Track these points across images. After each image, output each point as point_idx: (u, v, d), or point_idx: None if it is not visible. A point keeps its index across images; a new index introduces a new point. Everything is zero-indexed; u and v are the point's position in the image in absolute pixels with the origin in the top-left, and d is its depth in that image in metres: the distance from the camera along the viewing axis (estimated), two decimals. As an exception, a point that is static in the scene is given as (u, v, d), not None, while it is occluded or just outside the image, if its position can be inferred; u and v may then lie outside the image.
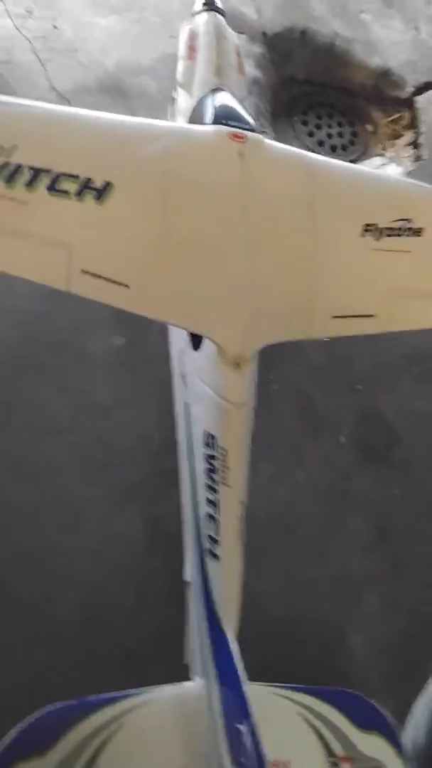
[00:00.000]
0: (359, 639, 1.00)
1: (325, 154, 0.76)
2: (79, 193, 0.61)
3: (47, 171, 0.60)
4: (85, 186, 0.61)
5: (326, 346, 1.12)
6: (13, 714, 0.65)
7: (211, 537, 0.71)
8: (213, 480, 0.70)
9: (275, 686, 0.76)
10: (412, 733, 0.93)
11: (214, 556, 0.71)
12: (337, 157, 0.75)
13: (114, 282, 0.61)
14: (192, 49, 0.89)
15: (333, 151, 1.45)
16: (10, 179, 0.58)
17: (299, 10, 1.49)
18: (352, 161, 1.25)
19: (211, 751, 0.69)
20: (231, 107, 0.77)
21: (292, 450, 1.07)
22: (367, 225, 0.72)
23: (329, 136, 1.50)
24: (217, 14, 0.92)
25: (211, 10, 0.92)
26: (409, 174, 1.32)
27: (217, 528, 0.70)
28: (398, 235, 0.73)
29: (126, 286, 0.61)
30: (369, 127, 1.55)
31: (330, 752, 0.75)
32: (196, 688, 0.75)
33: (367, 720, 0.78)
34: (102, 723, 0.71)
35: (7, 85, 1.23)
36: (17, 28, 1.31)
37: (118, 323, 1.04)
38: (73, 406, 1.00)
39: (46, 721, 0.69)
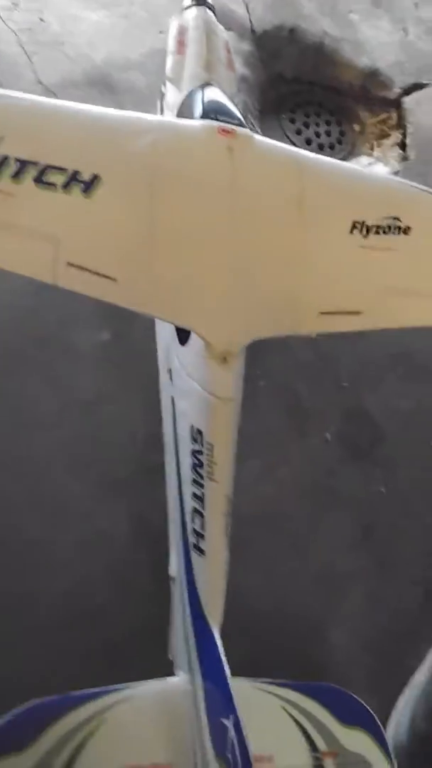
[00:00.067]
0: (343, 635, 1.00)
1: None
2: (67, 186, 0.60)
3: (34, 163, 0.59)
4: (73, 179, 0.61)
5: (312, 343, 1.13)
6: (-6, 709, 0.64)
7: (196, 532, 0.71)
8: (199, 475, 0.69)
9: (259, 681, 0.76)
10: (394, 729, 0.94)
11: (200, 550, 0.71)
12: (325, 155, 0.75)
13: (101, 275, 0.61)
14: (181, 44, 0.89)
15: (320, 149, 1.45)
16: (-3, 171, 0.58)
17: (288, 8, 1.49)
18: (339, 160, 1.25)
19: (195, 746, 0.69)
20: (220, 102, 0.77)
21: (277, 446, 1.07)
22: (355, 222, 0.72)
23: (317, 134, 1.50)
24: (207, 9, 0.92)
25: (201, 5, 0.92)
26: (396, 174, 1.33)
27: (203, 523, 0.70)
28: (386, 233, 0.73)
29: (113, 279, 0.61)
30: (356, 127, 1.56)
31: (313, 747, 0.75)
32: (180, 683, 0.75)
33: (351, 715, 0.78)
34: (85, 718, 0.70)
35: (-7, 77, 1.22)
36: (3, 20, 1.30)
37: (104, 318, 1.04)
38: (59, 400, 0.99)
39: (28, 716, 0.68)
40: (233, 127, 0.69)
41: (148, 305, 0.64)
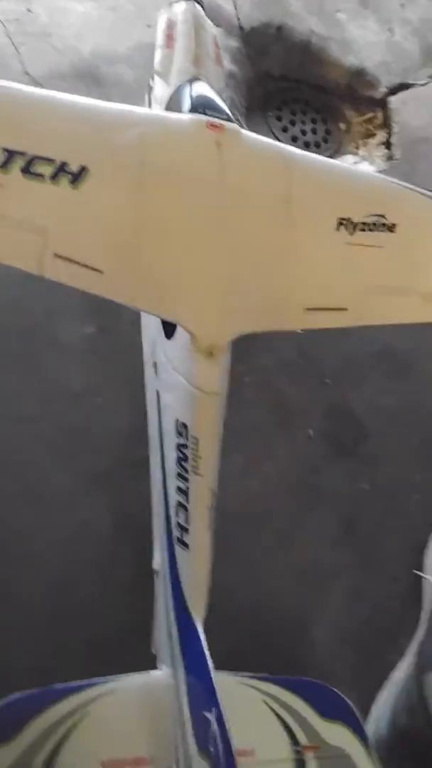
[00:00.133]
0: (325, 630, 1.01)
1: (299, 150, 0.77)
2: (54, 177, 0.60)
3: (22, 153, 0.59)
4: (61, 170, 0.60)
5: (297, 340, 1.13)
6: (-24, 702, 0.64)
7: (180, 525, 0.71)
8: (184, 469, 0.70)
9: (241, 675, 0.77)
10: (374, 723, 0.95)
11: (184, 544, 0.72)
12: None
13: (87, 267, 0.61)
14: (170, 38, 0.89)
15: (306, 147, 1.46)
16: (-17, 161, 0.58)
17: (276, 5, 1.49)
18: (325, 158, 1.25)
19: (177, 740, 0.69)
20: (208, 97, 0.77)
21: (262, 442, 1.07)
22: (342, 219, 0.72)
23: (303, 132, 1.51)
24: (195, 4, 0.92)
25: (190, -1, 0.92)
26: (382, 173, 1.33)
27: (187, 517, 0.70)
28: (371, 231, 0.74)
29: (99, 271, 0.61)
30: (342, 126, 1.56)
31: (294, 741, 0.76)
32: (163, 676, 0.76)
33: (332, 709, 0.79)
34: (67, 711, 0.70)
35: (-21, 67, 1.21)
36: (-10, 11, 1.29)
37: (89, 311, 1.03)
38: (43, 393, 0.99)
39: (9, 709, 0.68)
40: (221, 122, 0.69)
41: (134, 298, 0.64)
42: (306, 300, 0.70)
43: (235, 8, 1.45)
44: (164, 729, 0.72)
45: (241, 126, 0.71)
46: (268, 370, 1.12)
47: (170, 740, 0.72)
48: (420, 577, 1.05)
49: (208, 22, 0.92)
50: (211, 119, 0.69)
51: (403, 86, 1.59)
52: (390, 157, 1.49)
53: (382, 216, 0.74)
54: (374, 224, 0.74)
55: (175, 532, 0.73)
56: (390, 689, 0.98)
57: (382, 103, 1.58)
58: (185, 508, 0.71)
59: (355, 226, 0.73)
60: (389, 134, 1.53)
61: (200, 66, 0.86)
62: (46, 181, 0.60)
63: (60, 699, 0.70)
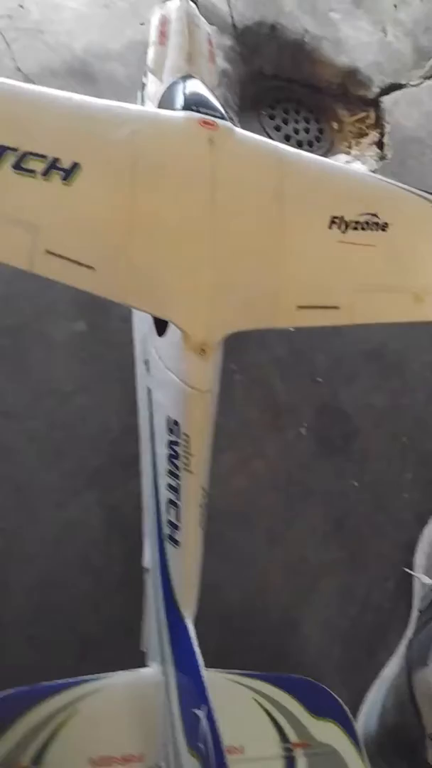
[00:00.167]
0: (315, 628, 1.01)
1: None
2: (46, 173, 0.60)
3: (14, 149, 0.59)
4: (53, 166, 0.60)
5: (288, 339, 1.13)
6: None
7: (171, 523, 0.71)
8: (175, 466, 0.70)
9: (231, 673, 0.77)
10: (364, 720, 0.95)
11: (174, 541, 0.72)
12: (303, 152, 0.77)
13: (79, 264, 0.61)
14: (163, 35, 0.88)
15: (299, 146, 1.46)
16: (-25, 156, 0.57)
17: (270, 4, 1.49)
18: (318, 157, 1.25)
19: (167, 737, 0.69)
20: (201, 94, 0.77)
21: (253, 440, 1.07)
22: (334, 217, 0.72)
23: (296, 131, 1.51)
24: (189, 1, 0.92)
25: (184, -4, 0.92)
26: (374, 172, 1.34)
27: (178, 514, 0.70)
28: (364, 229, 0.74)
29: (91, 268, 0.61)
30: (335, 125, 1.57)
31: (284, 738, 0.76)
32: (153, 674, 0.76)
33: (322, 707, 0.80)
34: (55, 709, 0.70)
35: (-28, 63, 1.20)
36: (-18, 7, 1.28)
37: (80, 308, 1.03)
38: (32, 390, 0.98)
39: (-1, 707, 0.68)
40: (214, 119, 0.69)
41: (125, 295, 0.64)
42: (298, 298, 0.70)
43: (229, 6, 1.45)
44: (154, 726, 0.73)
45: (234, 124, 0.71)
46: (259, 368, 1.12)
47: (160, 737, 0.72)
48: (410, 575, 1.05)
49: (202, 19, 0.92)
50: (204, 116, 0.69)
51: (395, 86, 1.59)
52: (382, 157, 1.49)
53: (375, 215, 0.74)
54: (366, 223, 0.74)
55: (166, 530, 0.73)
56: (380, 687, 0.98)
57: (374, 103, 1.58)
58: (176, 506, 0.71)
59: (347, 224, 0.73)
60: (381, 134, 1.54)
61: (193, 64, 0.86)
62: (37, 177, 0.60)
63: (49, 696, 0.70)
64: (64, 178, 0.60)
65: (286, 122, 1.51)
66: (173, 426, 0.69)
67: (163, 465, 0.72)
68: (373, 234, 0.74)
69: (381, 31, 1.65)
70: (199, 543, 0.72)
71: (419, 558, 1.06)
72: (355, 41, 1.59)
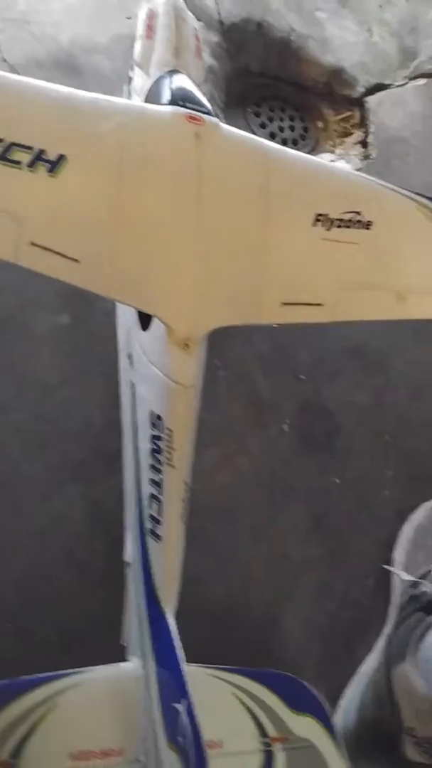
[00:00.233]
0: (295, 624, 1.02)
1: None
2: (32, 165, 0.60)
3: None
4: (38, 157, 0.60)
5: (272, 335, 1.13)
6: None
7: (153, 517, 0.72)
8: (158, 461, 0.70)
9: (211, 667, 0.77)
10: (342, 715, 0.96)
11: (156, 536, 0.72)
12: (288, 150, 0.78)
13: (64, 256, 0.61)
14: (150, 29, 0.88)
15: (284, 144, 1.46)
16: (-40, 146, 0.57)
17: (256, 1, 1.49)
18: (303, 155, 1.25)
19: (146, 731, 0.70)
20: (188, 89, 0.77)
21: (236, 436, 1.07)
22: (319, 215, 0.73)
23: (281, 129, 1.51)
24: (177, -4, 0.91)
25: (171, -10, 0.91)
26: (358, 171, 1.34)
27: (160, 508, 0.71)
28: (348, 227, 0.74)
29: (76, 260, 0.61)
30: (320, 124, 1.57)
31: (263, 732, 0.77)
32: (133, 668, 0.76)
33: (301, 702, 0.80)
34: (35, 703, 0.70)
35: (-43, 54, 1.19)
36: (-32, -3, 1.27)
37: (64, 301, 1.02)
38: (15, 383, 0.98)
39: (-23, 701, 0.68)
40: (201, 114, 0.69)
41: (110, 288, 0.64)
42: (282, 294, 0.71)
43: (216, 3, 1.44)
44: (134, 721, 0.73)
45: (220, 120, 0.71)
46: (243, 364, 1.12)
47: (139, 732, 0.72)
48: (389, 572, 1.06)
49: (189, 14, 0.92)
50: (190, 111, 0.69)
51: (380, 87, 1.60)
52: (366, 156, 1.50)
53: (359, 213, 0.75)
54: (350, 221, 0.74)
55: (148, 524, 0.73)
56: (358, 682, 0.99)
57: (359, 103, 1.58)
58: (158, 500, 0.71)
59: (331, 222, 0.73)
60: (366, 133, 1.54)
61: (180, 58, 0.86)
62: (23, 169, 0.59)
63: (28, 690, 0.70)
64: (50, 170, 0.60)
65: (271, 120, 1.51)
66: (156, 420, 0.69)
67: (145, 459, 0.72)
68: (357, 232, 0.75)
69: (366, 31, 1.66)
70: (181, 538, 0.73)
71: (398, 554, 1.07)
72: (341, 41, 1.60)
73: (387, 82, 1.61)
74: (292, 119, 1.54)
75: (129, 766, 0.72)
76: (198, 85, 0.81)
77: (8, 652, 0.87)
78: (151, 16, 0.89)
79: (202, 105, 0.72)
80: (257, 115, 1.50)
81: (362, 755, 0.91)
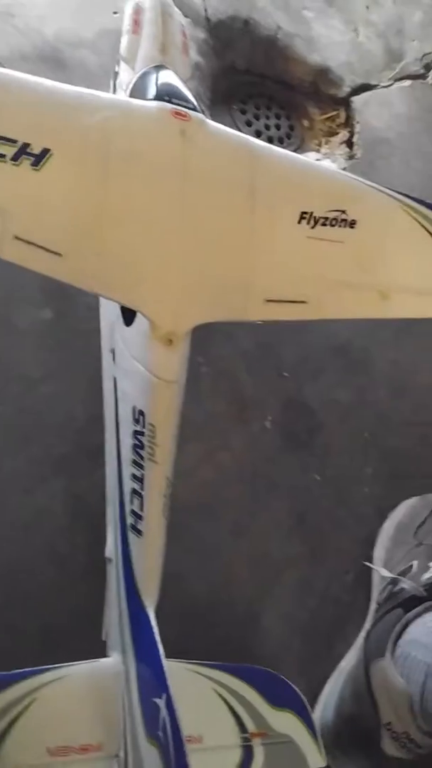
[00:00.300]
0: (275, 620, 1.02)
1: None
2: (16, 158, 0.59)
3: None
4: (23, 151, 0.60)
5: (255, 332, 1.14)
6: None
7: (135, 512, 0.72)
8: (140, 456, 0.70)
9: (191, 663, 0.78)
10: (321, 710, 0.96)
11: (137, 531, 0.72)
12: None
13: (47, 250, 0.60)
14: (137, 24, 0.88)
15: (270, 142, 1.45)
16: None
17: (243, -1, 1.49)
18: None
19: (126, 726, 0.70)
20: (174, 85, 0.77)
21: (218, 432, 1.07)
22: (304, 213, 0.73)
23: (267, 127, 1.51)
24: (163, -9, 0.91)
25: (158, -14, 0.91)
26: (343, 171, 1.35)
27: (142, 504, 0.71)
28: (332, 226, 0.75)
29: (59, 254, 0.61)
30: (305, 122, 1.58)
31: (242, 728, 0.77)
32: (113, 663, 0.76)
33: (280, 697, 0.81)
34: (14, 698, 0.70)
35: None
36: None
37: (46, 295, 1.02)
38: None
39: None
40: (187, 110, 0.69)
41: (93, 282, 0.63)
42: (266, 291, 0.71)
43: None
44: (113, 716, 0.73)
45: (206, 117, 0.71)
46: (226, 360, 1.12)
47: (119, 727, 0.72)
48: (369, 569, 1.07)
49: (176, 10, 0.92)
50: (176, 107, 0.69)
51: (366, 87, 1.61)
52: (351, 156, 1.51)
53: (344, 212, 0.75)
54: (335, 219, 0.75)
55: (129, 519, 0.73)
56: (337, 678, 0.99)
57: (344, 103, 1.59)
58: (140, 496, 0.71)
59: (316, 220, 0.73)
60: (351, 133, 1.55)
61: (167, 54, 0.86)
62: (7, 162, 0.59)
63: (7, 686, 0.70)
64: (35, 164, 0.60)
65: (257, 118, 1.51)
66: (139, 416, 0.69)
67: (127, 455, 0.72)
68: (342, 230, 0.75)
69: (353, 32, 1.66)
70: (163, 533, 0.73)
71: (378, 551, 1.08)
72: (328, 40, 1.60)
73: (373, 82, 1.62)
74: (278, 117, 1.54)
75: (108, 761, 0.72)
76: (184, 82, 0.81)
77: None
78: (138, 11, 0.89)
79: (188, 101, 0.72)
80: (243, 112, 1.50)
81: (340, 750, 0.92)
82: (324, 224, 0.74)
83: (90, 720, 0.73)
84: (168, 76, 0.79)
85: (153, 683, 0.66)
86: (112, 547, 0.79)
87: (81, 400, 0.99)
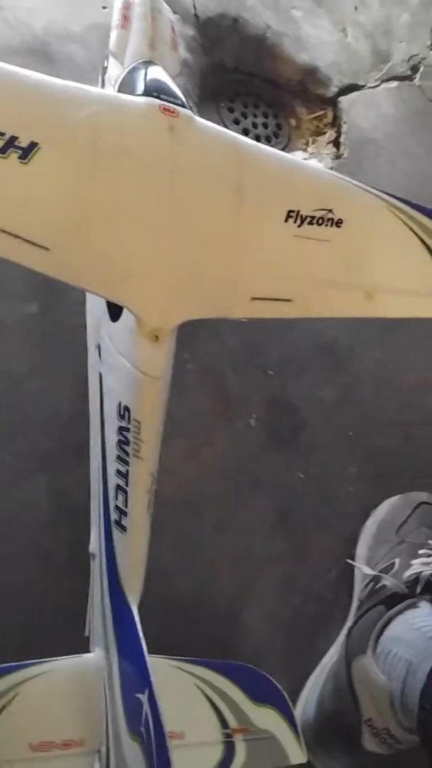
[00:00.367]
0: (257, 617, 1.03)
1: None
2: (4, 151, 0.59)
3: None
4: (10, 144, 0.59)
5: (241, 330, 1.14)
6: None
7: (119, 508, 0.71)
8: (125, 452, 0.69)
9: (174, 659, 0.78)
10: (303, 707, 0.97)
11: (121, 527, 0.72)
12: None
13: (34, 244, 0.60)
14: (126, 19, 0.88)
15: (257, 140, 1.44)
16: None
17: (233, -3, 1.50)
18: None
19: (108, 722, 0.70)
20: (163, 81, 0.77)
21: (203, 429, 1.08)
22: (290, 211, 0.73)
23: (254, 125, 1.51)
24: (153, -13, 0.91)
25: (147, -19, 0.91)
26: (330, 170, 1.35)
27: (126, 499, 0.70)
28: (319, 225, 0.75)
29: (46, 249, 0.60)
30: (293, 122, 1.58)
31: (224, 723, 0.78)
32: (95, 659, 0.76)
33: (262, 693, 0.81)
34: (-3, 694, 0.70)
35: None
36: None
37: (32, 290, 1.02)
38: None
39: None
40: (175, 107, 0.69)
41: (80, 277, 0.63)
42: (252, 289, 0.71)
43: (192, -4, 1.44)
44: (95, 712, 0.73)
45: (194, 114, 0.71)
46: (212, 358, 1.12)
47: (101, 723, 0.72)
48: (351, 567, 1.07)
49: (166, 6, 0.92)
50: (164, 103, 0.69)
51: (354, 87, 1.62)
52: (338, 156, 1.51)
53: (330, 211, 0.75)
54: (322, 218, 0.75)
55: (113, 515, 0.73)
56: (319, 675, 1.00)
57: (332, 102, 1.60)
58: (124, 491, 0.71)
59: (303, 218, 0.73)
60: (338, 133, 1.56)
61: (155, 50, 0.85)
62: None
63: None
64: (22, 157, 0.59)
65: (245, 116, 1.52)
66: (124, 412, 0.69)
67: (112, 451, 0.72)
68: (328, 229, 0.75)
69: (341, 32, 1.67)
70: (147, 529, 0.73)
71: (361, 549, 1.09)
72: (316, 40, 1.61)
73: (360, 83, 1.63)
74: (265, 116, 1.54)
75: (90, 757, 0.72)
76: (173, 78, 0.81)
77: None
78: (127, 6, 0.89)
79: (176, 97, 0.72)
80: (231, 110, 1.50)
81: (321, 746, 0.93)
82: (311, 223, 0.74)
83: (72, 715, 0.73)
84: (157, 72, 0.79)
85: (136, 679, 0.66)
86: (95, 542, 0.79)
87: (67, 395, 0.99)
